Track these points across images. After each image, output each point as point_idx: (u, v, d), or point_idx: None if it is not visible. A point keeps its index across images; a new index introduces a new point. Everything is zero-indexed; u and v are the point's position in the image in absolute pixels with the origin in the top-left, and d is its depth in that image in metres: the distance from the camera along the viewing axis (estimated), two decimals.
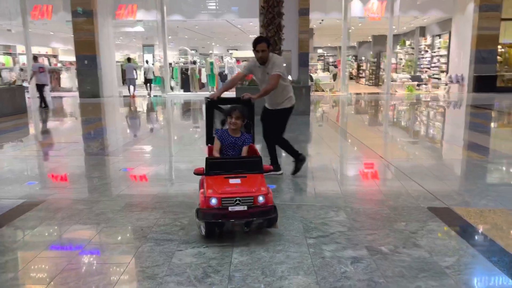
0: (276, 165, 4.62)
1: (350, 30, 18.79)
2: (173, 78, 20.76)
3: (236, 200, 2.77)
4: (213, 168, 2.99)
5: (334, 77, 20.90)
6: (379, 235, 2.98)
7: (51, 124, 10.24)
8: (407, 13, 18.59)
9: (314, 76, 20.39)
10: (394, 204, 3.66)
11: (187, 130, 9.49)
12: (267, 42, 4.28)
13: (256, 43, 4.28)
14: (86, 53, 16.97)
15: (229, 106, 3.52)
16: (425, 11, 18.62)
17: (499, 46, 17.37)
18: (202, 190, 2.95)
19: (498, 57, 17.51)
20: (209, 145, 3.65)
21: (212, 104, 3.79)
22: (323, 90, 19.66)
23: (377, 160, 5.58)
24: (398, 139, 7.75)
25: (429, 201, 3.73)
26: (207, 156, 3.35)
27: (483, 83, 16.93)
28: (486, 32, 16.64)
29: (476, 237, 2.92)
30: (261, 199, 2.82)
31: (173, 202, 3.79)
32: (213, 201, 2.77)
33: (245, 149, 3.42)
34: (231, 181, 2.89)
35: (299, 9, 16.02)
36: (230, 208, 2.77)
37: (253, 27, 18.97)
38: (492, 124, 9.53)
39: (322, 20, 20.09)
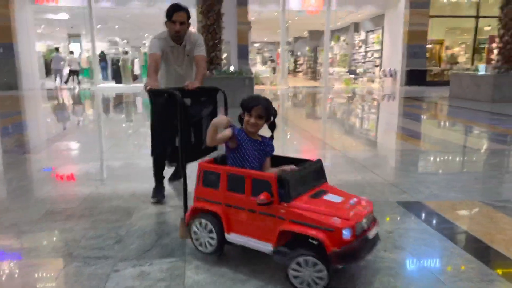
0: None
1: (287, 24, 18.68)
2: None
3: (363, 223, 1.98)
4: (295, 187, 2.03)
5: (273, 70, 20.76)
6: None
7: None
8: (343, 7, 18.88)
9: (253, 69, 20.08)
10: None
11: (119, 125, 8.64)
12: (187, 13, 3.24)
13: (172, 11, 3.14)
14: (0, 40, 15.19)
15: (247, 99, 2.33)
16: (360, 5, 19.04)
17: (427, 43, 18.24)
18: (298, 228, 1.92)
19: (426, 53, 18.38)
20: (200, 161, 2.33)
21: (185, 96, 2.73)
22: (263, 84, 19.43)
23: (332, 151, 5.29)
24: (349, 130, 7.57)
25: (396, 194, 3.44)
26: (196, 177, 2.28)
27: (414, 77, 17.70)
28: (416, 28, 17.39)
29: (458, 235, 2.64)
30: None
31: (106, 207, 3.15)
32: (347, 233, 1.86)
33: (268, 161, 2.38)
34: (328, 198, 2.06)
35: None
36: (370, 235, 1.99)
37: None
38: (438, 116, 9.76)
39: (260, 13, 19.79)
